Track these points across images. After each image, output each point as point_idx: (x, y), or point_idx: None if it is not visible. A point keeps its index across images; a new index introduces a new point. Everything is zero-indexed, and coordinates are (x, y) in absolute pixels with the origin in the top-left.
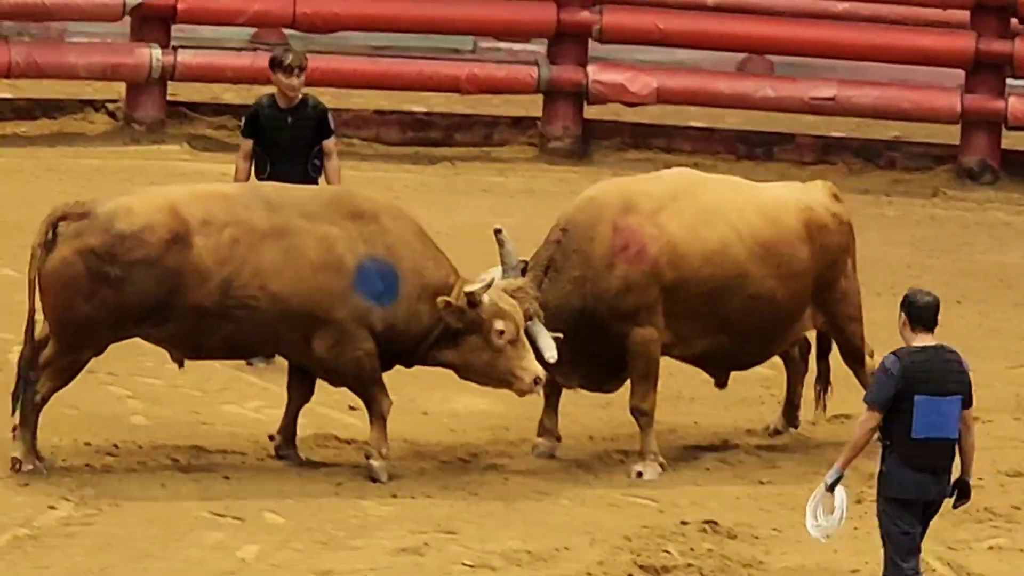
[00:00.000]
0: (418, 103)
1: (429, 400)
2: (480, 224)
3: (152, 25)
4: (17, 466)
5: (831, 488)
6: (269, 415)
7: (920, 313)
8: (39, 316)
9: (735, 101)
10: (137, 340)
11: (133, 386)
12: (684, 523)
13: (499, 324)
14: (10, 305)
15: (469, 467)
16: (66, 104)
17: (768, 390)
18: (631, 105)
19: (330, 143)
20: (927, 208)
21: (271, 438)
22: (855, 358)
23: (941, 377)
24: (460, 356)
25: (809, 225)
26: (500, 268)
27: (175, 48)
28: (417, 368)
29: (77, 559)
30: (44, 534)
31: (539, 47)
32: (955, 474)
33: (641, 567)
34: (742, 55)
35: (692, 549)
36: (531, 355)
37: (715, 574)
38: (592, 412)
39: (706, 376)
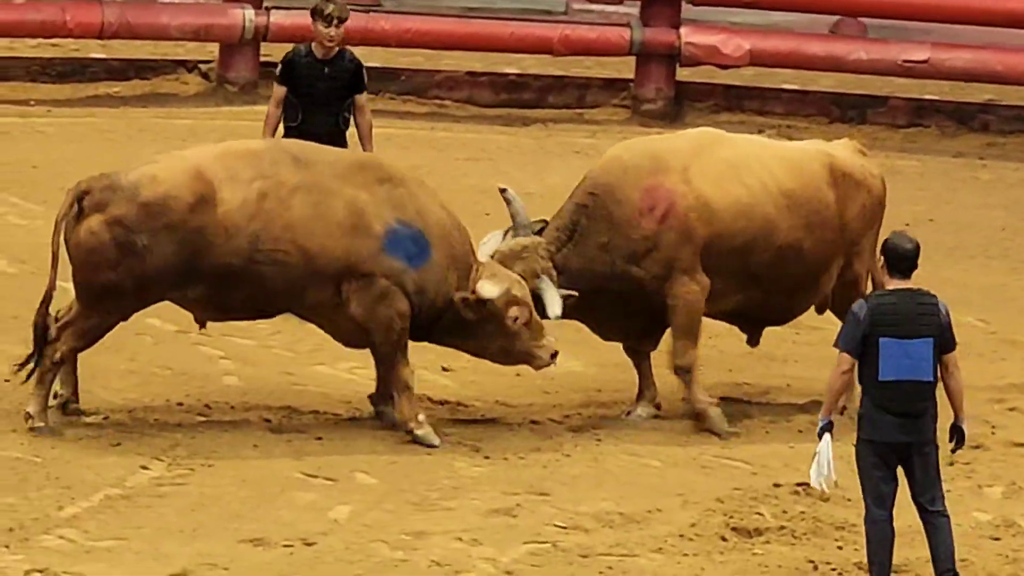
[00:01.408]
0: (511, 65)
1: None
2: (572, 187)
3: None
4: (29, 421)
5: (820, 434)
6: (361, 375)
7: (897, 259)
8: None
9: (828, 64)
10: None
11: (225, 346)
12: (777, 485)
13: (513, 312)
14: None
15: (561, 429)
16: (159, 65)
17: None
18: (724, 67)
19: (362, 98)
20: (1021, 171)
21: (370, 398)
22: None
23: (910, 320)
24: (476, 341)
25: (834, 175)
26: (500, 231)
27: (268, 9)
28: None
29: (169, 519)
30: (136, 494)
31: (631, 9)
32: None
33: (733, 529)
34: (835, 17)
35: (784, 511)
36: (544, 331)
37: (807, 536)
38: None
39: (800, 337)
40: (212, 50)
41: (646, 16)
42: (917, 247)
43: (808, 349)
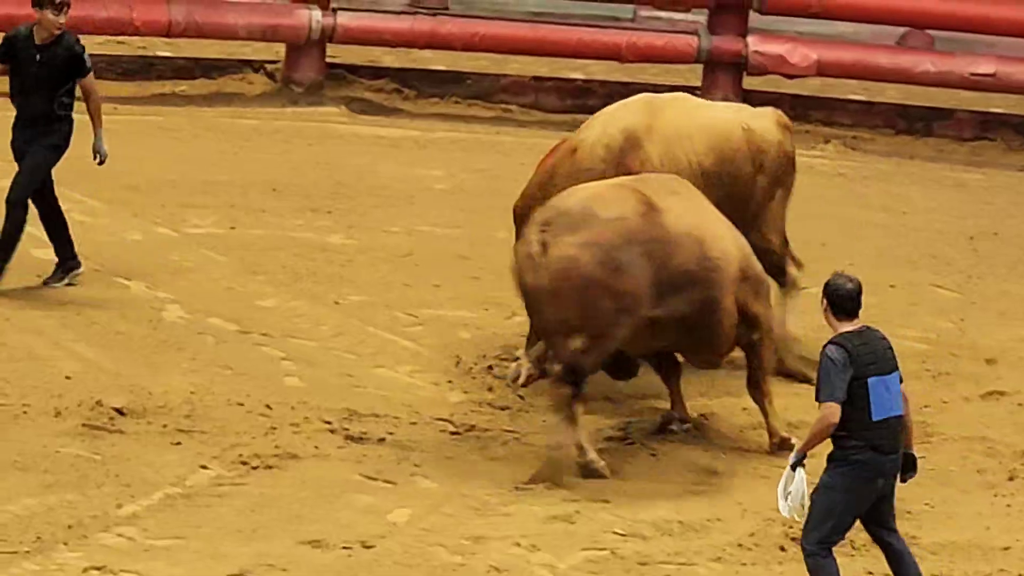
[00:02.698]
0: (577, 70)
1: None
2: None
3: None
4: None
5: (794, 468)
6: (422, 379)
7: (842, 300)
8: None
9: (895, 75)
10: (293, 300)
11: (287, 347)
12: None
13: None
14: (166, 264)
15: (622, 436)
16: (225, 64)
17: (923, 365)
18: (790, 77)
19: (86, 82)
20: None
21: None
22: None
23: (882, 356)
24: None
25: (751, 147)
26: None
27: (335, 10)
28: None
29: (228, 519)
30: (196, 493)
31: (699, 17)
32: None
33: (793, 539)
34: (902, 29)
35: None
36: None
37: (865, 548)
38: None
39: None
40: (278, 50)
41: (713, 24)
42: (859, 286)
43: None
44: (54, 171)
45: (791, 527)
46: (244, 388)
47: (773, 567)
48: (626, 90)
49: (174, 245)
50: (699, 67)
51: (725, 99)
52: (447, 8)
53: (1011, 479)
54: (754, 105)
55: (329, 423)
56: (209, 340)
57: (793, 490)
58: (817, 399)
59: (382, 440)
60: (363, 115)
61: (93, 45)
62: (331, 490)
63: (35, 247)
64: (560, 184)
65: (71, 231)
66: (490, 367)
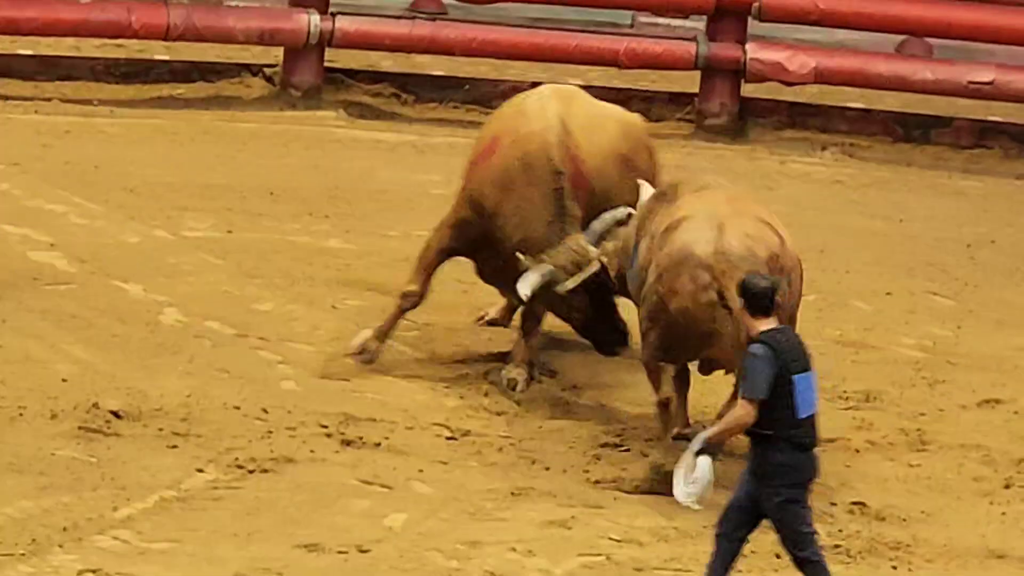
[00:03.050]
0: (575, 77)
1: (579, 374)
2: None
3: None
4: None
5: (698, 454)
6: (418, 384)
7: (758, 298)
8: None
9: (893, 83)
10: (291, 304)
11: (284, 351)
12: (832, 504)
13: None
14: (163, 267)
15: (617, 443)
16: (223, 68)
17: (919, 372)
18: (789, 84)
19: None
20: None
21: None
22: None
23: (801, 354)
24: None
25: (646, 138)
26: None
27: (333, 14)
28: (571, 342)
29: (224, 523)
30: (191, 496)
31: (698, 23)
32: None
33: None
34: (901, 37)
35: (840, 530)
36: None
37: (862, 556)
38: None
39: (859, 356)
40: (277, 54)
41: (712, 31)
42: (773, 284)
43: (868, 368)
44: (54, 174)
45: None
46: (241, 392)
47: (768, 574)
48: (624, 97)
49: (171, 248)
50: (697, 74)
51: (722, 106)
52: (446, 13)
53: (1007, 487)
54: (756, 115)
55: (325, 427)
56: (206, 343)
57: (699, 477)
58: (739, 395)
59: (378, 445)
60: (361, 119)
61: (91, 48)
62: (327, 494)
63: (31, 249)
64: (520, 176)
65: (71, 234)
66: (486, 372)
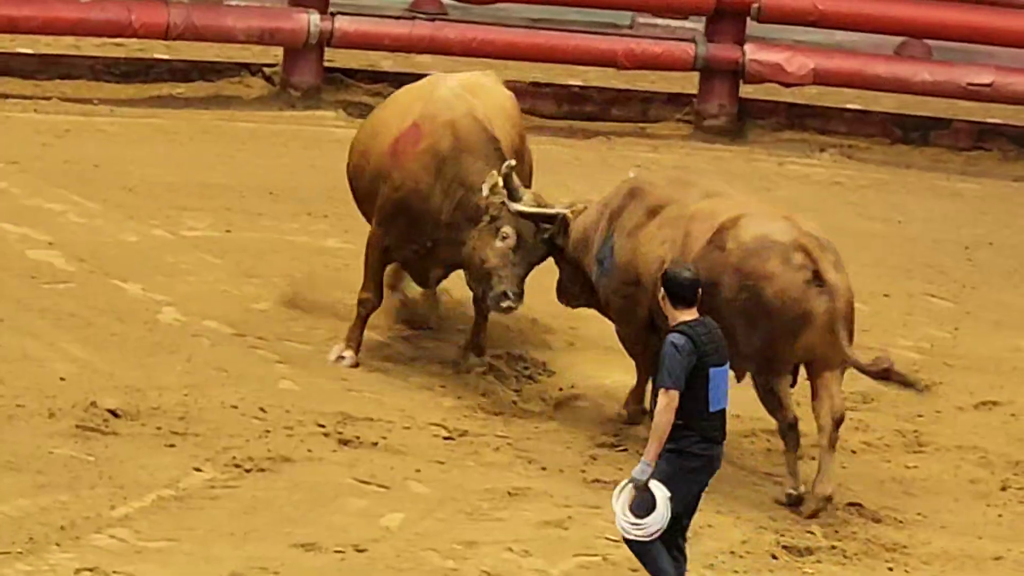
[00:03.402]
0: (574, 77)
1: (576, 374)
2: None
3: None
4: None
5: (644, 485)
6: (416, 384)
7: (681, 289)
8: None
9: (892, 84)
10: (289, 303)
11: (282, 351)
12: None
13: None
14: (162, 266)
15: (614, 443)
16: (223, 67)
17: (917, 374)
18: (787, 85)
19: None
20: None
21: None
22: None
23: (719, 348)
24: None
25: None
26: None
27: (333, 14)
28: (568, 343)
29: (221, 521)
30: (189, 495)
31: (697, 24)
32: None
33: (784, 547)
34: (900, 38)
35: (836, 531)
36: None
37: (858, 557)
38: (742, 392)
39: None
40: (276, 54)
41: (711, 32)
42: (696, 275)
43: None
44: (53, 173)
45: (783, 535)
46: (238, 391)
47: (765, 575)
48: (623, 97)
49: (170, 247)
50: (696, 75)
51: (721, 107)
52: (445, 13)
53: (1004, 489)
54: (754, 116)
55: (323, 427)
56: (204, 343)
57: (659, 513)
58: (657, 386)
59: (375, 444)
60: (361, 119)
61: (91, 47)
62: (324, 494)
63: (30, 248)
64: (455, 151)
65: (69, 233)
66: (484, 372)
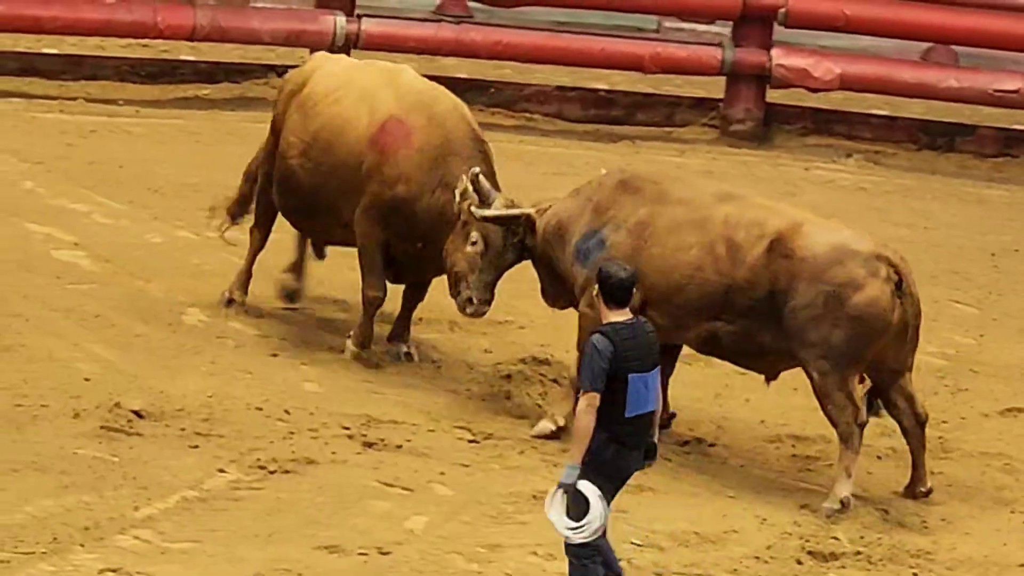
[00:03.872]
0: (600, 80)
1: None
2: None
3: None
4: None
5: (573, 488)
6: (440, 387)
7: (616, 289)
8: None
9: (918, 90)
10: (314, 305)
11: (306, 352)
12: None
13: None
14: (186, 267)
15: None
16: (249, 69)
17: (942, 380)
18: (814, 90)
19: None
20: None
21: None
22: None
23: (647, 352)
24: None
25: None
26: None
27: (359, 16)
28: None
29: (245, 523)
30: (213, 497)
31: (723, 29)
32: None
33: (809, 553)
34: (926, 44)
35: (861, 537)
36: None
37: (883, 563)
38: (768, 398)
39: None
40: (303, 56)
41: (738, 36)
42: (631, 277)
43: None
44: (78, 174)
45: (808, 540)
46: (263, 392)
47: None
48: (648, 102)
49: (195, 248)
50: (722, 79)
51: (747, 112)
52: (471, 16)
53: None
54: (780, 121)
55: (347, 429)
56: (228, 344)
57: (595, 510)
58: (578, 387)
59: (400, 447)
60: None
61: (117, 48)
62: (348, 496)
63: (55, 248)
64: (442, 153)
65: (94, 234)
66: (508, 376)
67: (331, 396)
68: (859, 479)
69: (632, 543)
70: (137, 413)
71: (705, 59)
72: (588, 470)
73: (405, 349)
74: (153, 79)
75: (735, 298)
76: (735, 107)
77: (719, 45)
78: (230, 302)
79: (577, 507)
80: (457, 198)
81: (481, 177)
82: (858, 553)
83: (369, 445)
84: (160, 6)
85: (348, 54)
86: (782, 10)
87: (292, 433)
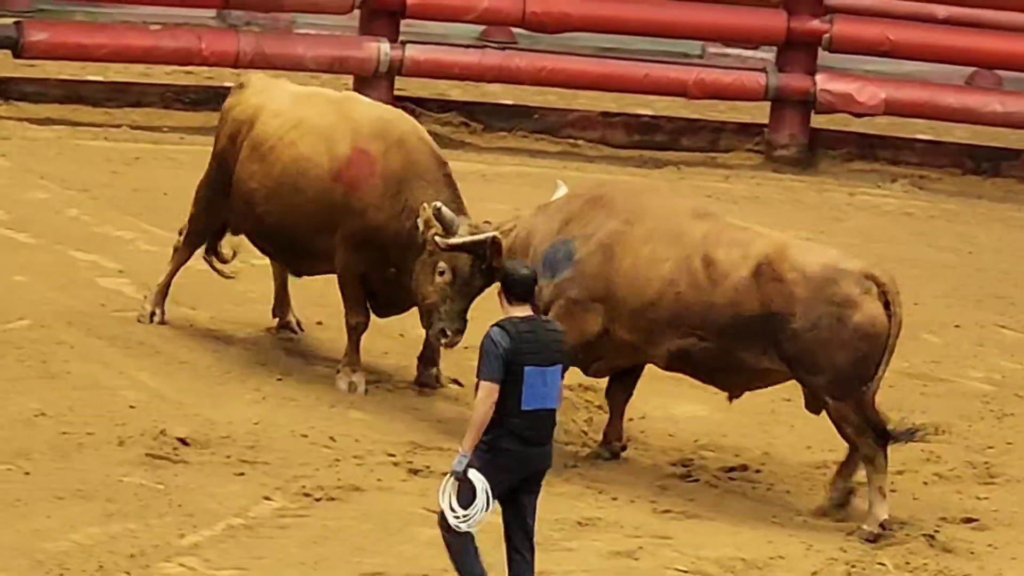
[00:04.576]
0: (644, 106)
1: (647, 405)
2: None
3: (381, 19)
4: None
5: (463, 475)
6: None
7: (516, 285)
8: None
9: (962, 115)
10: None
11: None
12: (899, 531)
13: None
14: (231, 294)
15: (685, 473)
16: None
17: (987, 406)
18: (858, 115)
19: None
20: None
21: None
22: None
23: (545, 347)
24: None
25: None
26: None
27: (403, 43)
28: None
29: (291, 551)
30: (259, 524)
31: (768, 54)
32: None
33: None
34: (971, 69)
35: (907, 562)
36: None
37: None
38: (814, 424)
39: (927, 389)
40: (347, 82)
41: (782, 62)
42: (533, 274)
43: (936, 401)
44: (123, 201)
45: (854, 566)
46: (308, 419)
47: None
48: (693, 127)
49: (240, 275)
50: (767, 104)
51: (792, 137)
52: (515, 42)
53: None
54: (825, 146)
55: (392, 455)
56: (273, 371)
57: (479, 502)
58: (477, 377)
59: (445, 473)
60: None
61: (161, 75)
62: (394, 523)
63: (100, 276)
64: (406, 184)
65: (139, 261)
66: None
67: (376, 423)
68: (905, 504)
69: (678, 570)
70: (182, 440)
71: (749, 84)
72: (487, 462)
73: (434, 372)
74: (197, 106)
75: (714, 316)
76: (780, 132)
77: (763, 70)
78: (151, 315)
79: (464, 496)
80: (421, 226)
81: (443, 208)
82: None
83: (415, 472)
84: (204, 33)
85: (392, 80)
86: (826, 35)
87: (337, 460)
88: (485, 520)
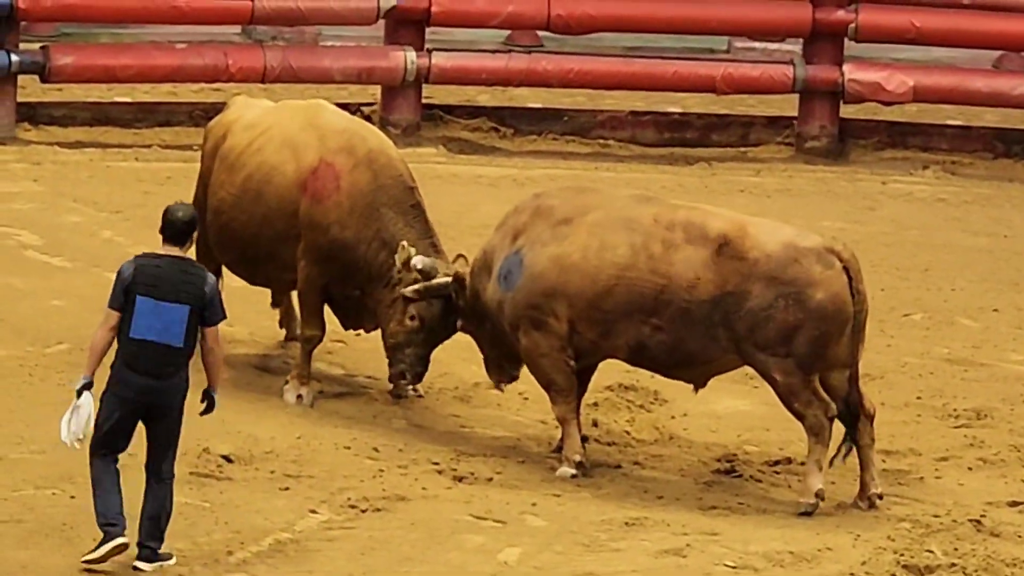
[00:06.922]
0: (673, 104)
1: (688, 402)
2: None
3: (406, 28)
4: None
5: (80, 393)
6: (527, 417)
7: (166, 227)
8: None
9: (992, 99)
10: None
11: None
12: (952, 521)
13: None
14: (268, 310)
15: (729, 468)
16: None
17: None
18: (887, 104)
19: None
20: None
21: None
22: None
23: (172, 286)
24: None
25: None
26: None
27: (429, 51)
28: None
29: (339, 563)
30: (306, 538)
31: (794, 46)
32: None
33: (904, 567)
34: (998, 52)
35: (956, 548)
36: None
37: (979, 573)
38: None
39: (967, 375)
40: (374, 93)
41: (809, 53)
42: (189, 217)
43: (977, 386)
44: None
45: (902, 554)
46: (350, 431)
47: None
48: (723, 122)
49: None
50: (795, 97)
51: (822, 128)
52: (541, 45)
53: None
54: (855, 136)
55: (437, 464)
56: (314, 384)
57: (76, 417)
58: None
59: (490, 480)
60: (461, 155)
61: (189, 93)
62: (441, 531)
63: None
64: (374, 210)
65: None
66: (595, 403)
67: (419, 432)
68: (951, 491)
69: (727, 566)
70: (226, 457)
71: (777, 77)
72: (110, 389)
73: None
74: None
75: (671, 299)
76: (809, 124)
77: (791, 63)
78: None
79: (78, 416)
80: (398, 264)
81: (419, 260)
82: (953, 565)
83: (460, 479)
84: (231, 49)
85: (420, 89)
86: (852, 25)
87: (382, 471)
88: (80, 437)
